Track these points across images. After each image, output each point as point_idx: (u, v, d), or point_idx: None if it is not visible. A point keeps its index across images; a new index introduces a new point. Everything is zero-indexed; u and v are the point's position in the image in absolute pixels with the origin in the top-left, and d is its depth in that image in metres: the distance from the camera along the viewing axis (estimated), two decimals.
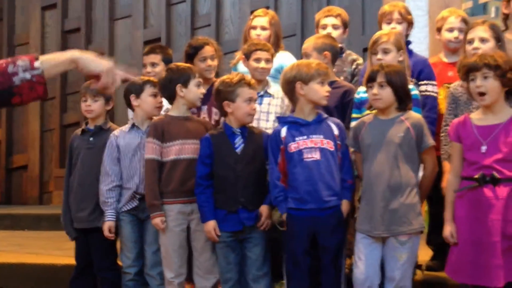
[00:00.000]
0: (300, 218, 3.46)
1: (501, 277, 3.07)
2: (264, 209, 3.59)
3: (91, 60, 2.29)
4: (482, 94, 3.18)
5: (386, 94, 3.38)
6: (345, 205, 3.47)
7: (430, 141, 3.39)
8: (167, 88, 3.81)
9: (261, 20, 4.49)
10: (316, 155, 3.45)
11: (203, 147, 3.68)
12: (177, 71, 3.80)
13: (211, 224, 3.61)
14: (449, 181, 3.32)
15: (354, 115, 3.75)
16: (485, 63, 3.17)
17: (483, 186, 3.14)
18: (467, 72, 3.23)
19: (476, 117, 3.27)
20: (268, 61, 4.04)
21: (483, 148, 3.16)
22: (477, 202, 3.16)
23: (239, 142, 3.65)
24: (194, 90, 3.78)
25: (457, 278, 3.26)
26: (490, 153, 3.15)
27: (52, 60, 2.24)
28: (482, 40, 3.59)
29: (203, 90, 3.83)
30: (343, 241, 3.46)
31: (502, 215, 3.10)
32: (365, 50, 5.77)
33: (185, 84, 3.77)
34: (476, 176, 3.15)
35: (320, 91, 3.51)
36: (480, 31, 3.61)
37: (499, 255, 3.08)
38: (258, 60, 4.03)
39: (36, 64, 2.21)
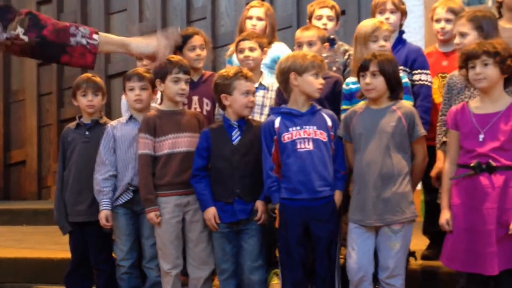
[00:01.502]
0: (293, 208, 3.47)
1: (495, 265, 3.07)
2: (259, 204, 3.60)
3: (141, 44, 2.47)
4: (480, 79, 3.17)
5: (379, 83, 3.37)
6: (337, 196, 3.48)
7: (421, 130, 3.39)
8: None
9: (257, 10, 4.50)
10: (309, 146, 3.45)
11: (201, 140, 3.70)
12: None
13: (211, 212, 3.62)
14: (446, 169, 3.31)
15: (344, 107, 3.74)
16: (484, 50, 3.16)
17: (479, 174, 3.13)
18: (466, 59, 3.21)
19: (474, 105, 3.26)
20: (253, 49, 4.01)
21: (481, 137, 3.16)
22: (473, 190, 3.16)
23: (236, 134, 3.66)
24: (170, 86, 3.75)
25: (452, 266, 3.27)
26: (487, 141, 3.14)
27: (108, 38, 2.43)
28: (462, 35, 3.54)
29: (183, 85, 3.76)
30: (336, 231, 3.47)
31: (497, 203, 3.10)
32: None
33: (163, 79, 3.77)
34: (472, 164, 3.15)
35: (313, 83, 3.50)
36: (459, 26, 3.56)
37: (494, 243, 3.08)
38: (241, 50, 4.02)
39: (95, 36, 2.36)
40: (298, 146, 3.46)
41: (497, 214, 3.10)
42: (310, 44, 3.89)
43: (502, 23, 3.93)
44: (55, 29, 2.31)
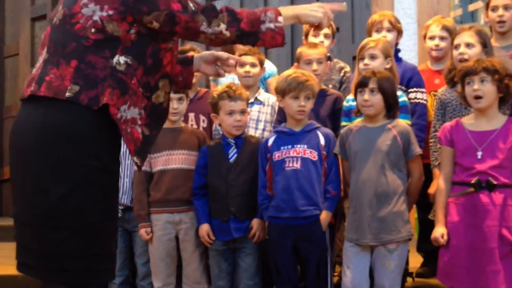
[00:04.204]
0: (278, 226, 3.46)
1: (499, 283, 3.04)
2: (255, 222, 3.59)
3: (310, 13, 2.67)
4: (478, 97, 3.16)
5: (377, 100, 3.37)
6: (324, 216, 3.43)
7: (417, 149, 3.38)
8: None
9: None
10: (297, 165, 3.44)
11: (199, 158, 3.72)
12: None
13: (204, 228, 3.62)
14: (440, 186, 3.28)
15: (343, 123, 3.73)
16: (483, 67, 3.15)
17: (478, 192, 3.11)
18: (464, 76, 3.20)
19: (469, 122, 3.25)
20: (254, 65, 4.03)
21: (479, 154, 3.14)
22: (472, 208, 3.13)
23: (233, 152, 3.67)
24: None
25: (450, 284, 3.22)
26: (486, 159, 3.12)
27: (287, 15, 2.64)
28: (468, 45, 3.59)
29: (174, 105, 3.78)
30: (325, 250, 3.43)
31: (498, 221, 3.08)
32: (354, 58, 5.76)
33: None
34: (472, 182, 3.13)
35: (292, 106, 3.49)
36: (466, 37, 3.60)
37: (497, 261, 3.05)
38: (242, 65, 4.02)
39: (279, 18, 2.62)
40: (286, 165, 3.46)
41: (499, 232, 3.07)
42: (320, 62, 3.90)
43: (492, 41, 3.97)
44: (249, 20, 2.59)
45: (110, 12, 2.45)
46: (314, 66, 3.86)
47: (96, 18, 2.45)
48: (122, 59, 2.47)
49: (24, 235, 2.45)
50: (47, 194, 2.37)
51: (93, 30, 2.45)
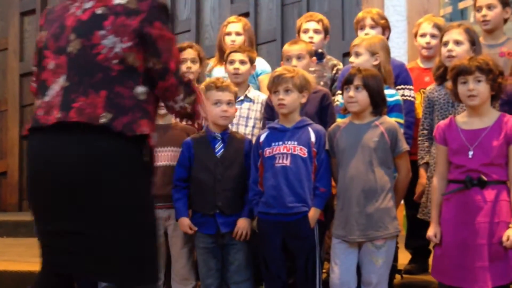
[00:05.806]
0: (267, 221, 3.47)
1: (487, 280, 3.04)
2: (240, 221, 3.58)
3: None
4: (472, 95, 3.15)
5: (362, 97, 3.38)
6: (312, 213, 3.42)
7: (404, 146, 3.39)
8: None
9: (236, 26, 4.55)
10: (287, 161, 3.45)
11: (183, 150, 3.70)
12: None
13: (184, 222, 3.61)
14: (435, 184, 3.29)
15: (339, 121, 3.72)
16: (477, 66, 3.13)
17: (470, 189, 3.11)
18: (457, 74, 3.19)
19: (462, 120, 3.24)
20: (243, 62, 4.03)
21: (470, 153, 3.13)
22: (464, 205, 3.13)
23: (219, 147, 3.66)
24: None
25: (443, 280, 3.22)
26: (477, 157, 3.12)
27: None
28: (457, 43, 3.60)
29: None
30: (313, 247, 3.42)
31: (489, 217, 3.08)
32: (344, 55, 5.81)
33: None
34: (463, 179, 3.13)
35: (273, 100, 3.54)
36: (455, 34, 3.62)
37: (485, 258, 3.05)
38: (232, 62, 4.04)
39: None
40: (276, 162, 3.46)
41: (489, 228, 3.07)
42: (299, 57, 3.89)
43: (480, 40, 3.99)
44: (198, 101, 2.90)
45: (129, 44, 2.60)
46: (294, 62, 3.86)
47: (117, 49, 2.60)
48: (142, 89, 2.65)
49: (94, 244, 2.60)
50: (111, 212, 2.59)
51: (115, 61, 2.60)
